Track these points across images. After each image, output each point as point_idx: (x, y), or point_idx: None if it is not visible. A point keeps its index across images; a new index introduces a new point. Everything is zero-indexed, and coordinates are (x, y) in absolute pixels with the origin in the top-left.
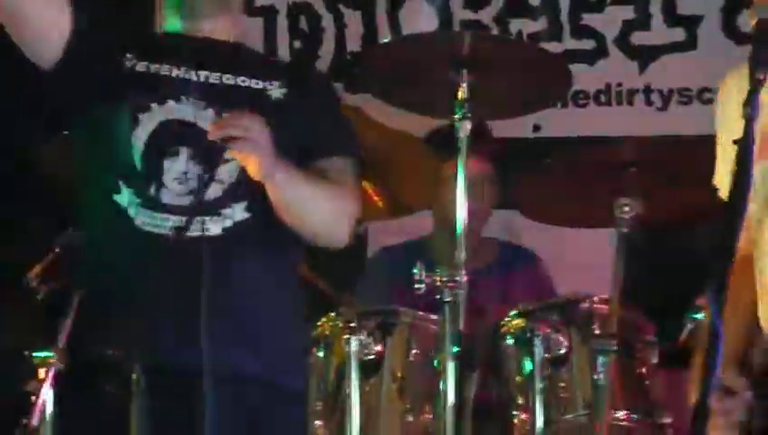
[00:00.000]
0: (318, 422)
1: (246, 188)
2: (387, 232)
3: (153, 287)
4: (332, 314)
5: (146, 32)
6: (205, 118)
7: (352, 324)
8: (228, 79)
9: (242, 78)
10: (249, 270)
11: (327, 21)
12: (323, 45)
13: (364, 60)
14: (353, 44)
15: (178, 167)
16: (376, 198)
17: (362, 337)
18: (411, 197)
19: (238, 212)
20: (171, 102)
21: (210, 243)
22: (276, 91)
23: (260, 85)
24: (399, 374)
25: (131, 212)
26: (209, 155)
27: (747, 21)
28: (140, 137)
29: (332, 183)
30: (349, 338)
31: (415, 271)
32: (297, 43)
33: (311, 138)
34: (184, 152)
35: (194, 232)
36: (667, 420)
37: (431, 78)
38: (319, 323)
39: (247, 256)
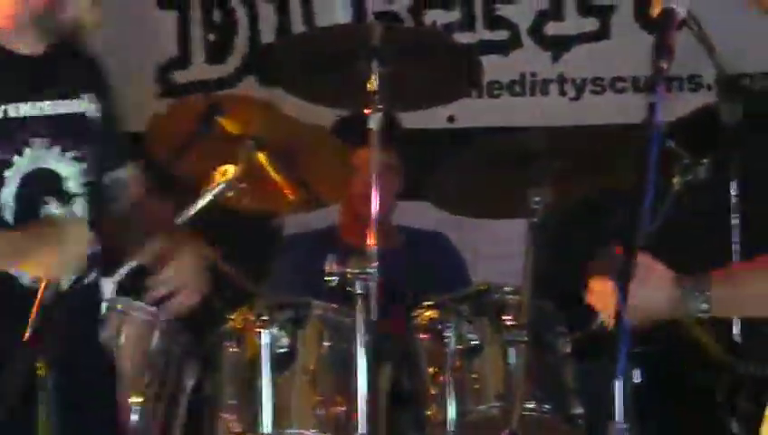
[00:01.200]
0: (231, 416)
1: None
2: (301, 225)
3: None
4: (245, 307)
5: None
6: (54, 158)
7: (264, 318)
8: (57, 106)
9: (66, 102)
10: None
11: (240, 13)
12: (237, 37)
13: (276, 52)
14: (267, 36)
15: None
16: (288, 192)
17: (274, 330)
18: (324, 190)
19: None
20: (27, 150)
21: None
22: (92, 108)
23: (81, 107)
24: (312, 367)
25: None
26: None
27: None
28: (7, 197)
29: None
30: (260, 331)
31: (326, 263)
32: (211, 36)
33: (111, 152)
34: (53, 200)
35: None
36: (579, 411)
37: (343, 70)
38: (231, 317)
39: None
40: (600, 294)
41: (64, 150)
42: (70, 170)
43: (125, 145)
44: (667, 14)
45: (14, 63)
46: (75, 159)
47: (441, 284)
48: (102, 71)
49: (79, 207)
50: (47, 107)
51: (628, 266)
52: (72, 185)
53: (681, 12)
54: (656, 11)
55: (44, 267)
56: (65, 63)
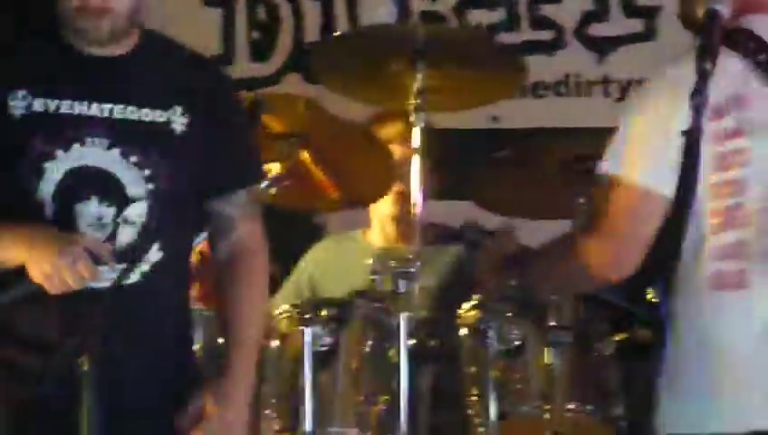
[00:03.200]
0: (272, 414)
1: (159, 227)
2: (344, 223)
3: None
4: (288, 305)
5: (37, 55)
6: (110, 160)
7: (307, 316)
8: (132, 112)
9: (145, 111)
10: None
11: (285, 11)
12: (281, 36)
13: (320, 51)
14: (311, 35)
15: (91, 211)
16: (331, 190)
17: (317, 328)
18: (366, 188)
19: (153, 254)
20: (77, 146)
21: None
22: (179, 121)
23: (163, 118)
24: (354, 366)
25: None
26: (120, 197)
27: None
28: (47, 189)
29: (258, 267)
30: (303, 329)
31: (370, 261)
32: (255, 34)
33: (215, 173)
34: (95, 198)
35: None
36: (621, 412)
37: (387, 69)
38: (273, 315)
39: (163, 299)
40: None
41: (125, 154)
42: (129, 174)
43: (239, 174)
44: (711, 14)
45: (79, 62)
46: (137, 164)
47: (475, 283)
48: (210, 82)
49: (137, 211)
50: (112, 110)
51: None
52: (133, 189)
53: (725, 12)
54: (699, 12)
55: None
56: (153, 69)
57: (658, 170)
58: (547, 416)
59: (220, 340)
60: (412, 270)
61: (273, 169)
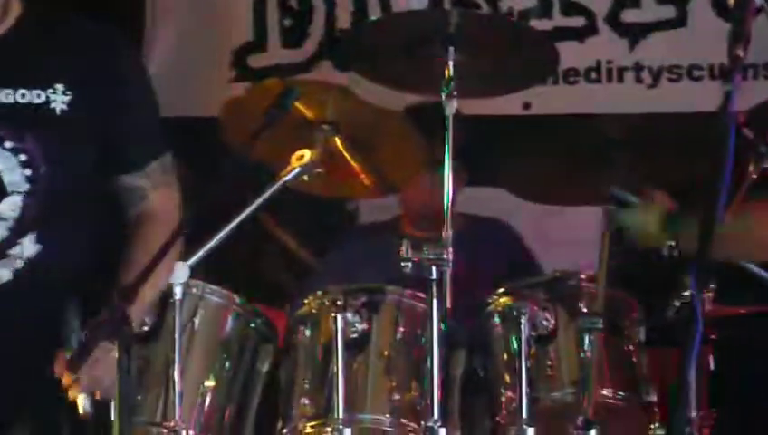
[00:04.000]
0: (305, 400)
1: (37, 218)
2: (378, 209)
3: None
4: (319, 291)
5: None
6: None
7: (339, 302)
8: (8, 96)
9: (21, 91)
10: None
11: None
12: (313, 23)
13: (352, 38)
14: (343, 22)
15: None
16: (363, 177)
17: (349, 315)
18: (398, 175)
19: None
20: None
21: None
22: (60, 99)
23: (41, 98)
24: (386, 352)
25: None
26: None
27: None
28: None
29: (158, 233)
30: (335, 316)
31: (402, 248)
32: (287, 21)
33: (114, 150)
34: None
35: None
36: (654, 399)
37: (419, 56)
38: (305, 302)
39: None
40: None
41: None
42: (3, 162)
43: (148, 147)
44: (744, 1)
45: None
46: (12, 150)
47: (502, 270)
48: (100, 53)
49: (9, 204)
50: None
51: None
52: (8, 177)
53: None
54: None
55: None
56: (33, 46)
57: None
58: (580, 402)
59: None
60: (444, 257)
61: (306, 155)
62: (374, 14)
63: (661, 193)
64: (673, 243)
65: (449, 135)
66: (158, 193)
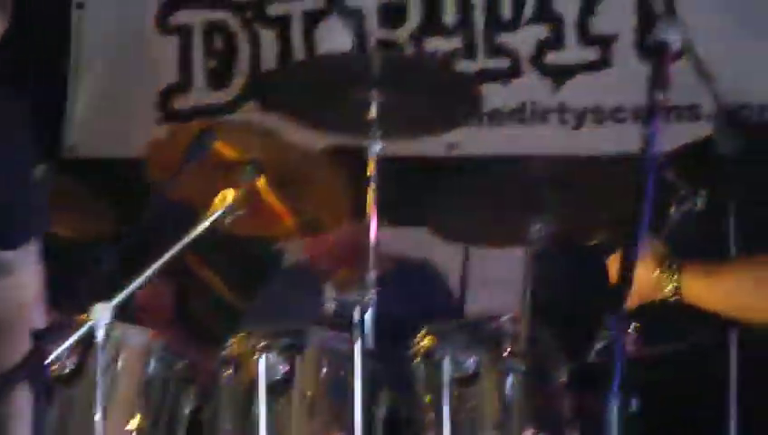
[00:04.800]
0: None
1: None
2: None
3: None
4: (242, 333)
5: None
6: None
7: (262, 344)
8: None
9: None
10: None
11: (242, 39)
12: (238, 64)
13: (277, 79)
14: (268, 63)
15: None
16: (287, 218)
17: (272, 357)
18: (322, 215)
19: None
20: None
21: None
22: None
23: None
24: (309, 394)
25: None
26: None
27: None
28: None
29: None
30: (258, 358)
31: (325, 289)
32: (212, 63)
33: None
34: None
35: None
36: None
37: (343, 97)
38: (229, 343)
39: None
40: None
41: None
42: None
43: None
44: (663, 44)
45: None
46: None
47: (426, 312)
48: None
49: None
50: None
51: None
52: None
53: (677, 42)
54: (652, 43)
55: None
56: None
57: None
58: None
59: None
60: (367, 298)
61: (229, 196)
62: (299, 55)
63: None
64: None
65: (373, 176)
66: (22, 273)
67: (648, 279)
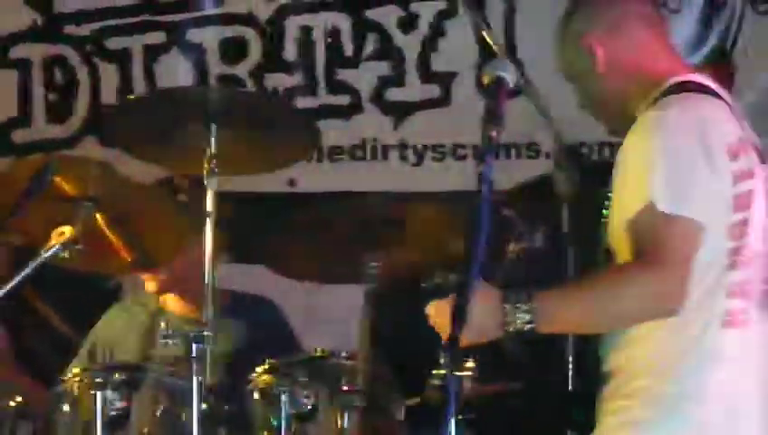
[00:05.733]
0: None
1: None
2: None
3: None
4: (80, 369)
5: None
6: None
7: (99, 380)
8: None
9: None
10: None
11: (82, 73)
12: (78, 98)
13: (115, 114)
14: (109, 97)
15: None
16: (124, 253)
17: (108, 392)
18: (159, 251)
19: None
20: None
21: None
22: None
23: None
24: (146, 430)
25: None
26: None
27: None
28: None
29: None
30: (95, 393)
31: (162, 326)
32: (52, 96)
33: None
34: None
35: None
36: None
37: (182, 132)
38: (65, 379)
39: None
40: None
41: None
42: None
43: None
44: (497, 82)
45: None
46: None
47: (264, 348)
48: None
49: None
50: None
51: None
52: None
53: (511, 81)
54: (486, 79)
55: None
56: None
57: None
58: None
59: None
60: (205, 334)
61: (67, 232)
62: (139, 89)
63: None
64: None
65: (213, 211)
66: None
67: (493, 315)
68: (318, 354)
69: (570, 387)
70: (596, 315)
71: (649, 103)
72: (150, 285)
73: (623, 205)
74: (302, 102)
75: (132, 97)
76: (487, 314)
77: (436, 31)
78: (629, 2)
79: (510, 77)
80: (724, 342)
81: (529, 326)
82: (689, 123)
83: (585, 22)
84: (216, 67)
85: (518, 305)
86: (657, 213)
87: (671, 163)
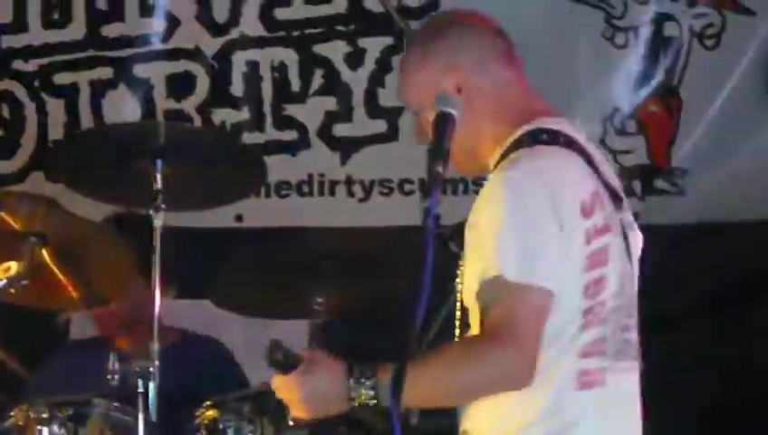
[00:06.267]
0: None
1: None
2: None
3: None
4: (25, 404)
5: None
6: None
7: (44, 415)
8: None
9: None
10: None
11: (29, 109)
12: (25, 133)
13: (61, 149)
14: (56, 133)
15: None
16: (71, 289)
17: (55, 428)
18: (105, 287)
19: None
20: None
21: None
22: None
23: None
24: None
25: None
26: None
27: None
28: None
29: None
30: (41, 429)
31: (109, 360)
32: None
33: None
34: None
35: None
36: None
37: (129, 167)
38: (12, 414)
39: None
40: (282, 390)
41: None
42: None
43: None
44: (443, 117)
45: None
46: None
47: (212, 385)
48: None
49: None
50: None
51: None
52: None
53: (457, 115)
54: (431, 115)
55: None
56: None
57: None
58: None
59: None
60: (151, 370)
61: (13, 267)
62: (86, 124)
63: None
64: None
65: (157, 248)
66: None
67: (338, 388)
68: (264, 389)
69: None
70: (445, 390)
71: (499, 155)
72: (98, 327)
73: (473, 273)
74: (250, 138)
75: (78, 132)
76: (332, 387)
77: (383, 66)
78: (492, 35)
79: (457, 113)
80: (580, 404)
81: (372, 401)
82: (537, 185)
83: (449, 52)
84: (163, 102)
85: (361, 381)
86: (506, 283)
87: (519, 231)
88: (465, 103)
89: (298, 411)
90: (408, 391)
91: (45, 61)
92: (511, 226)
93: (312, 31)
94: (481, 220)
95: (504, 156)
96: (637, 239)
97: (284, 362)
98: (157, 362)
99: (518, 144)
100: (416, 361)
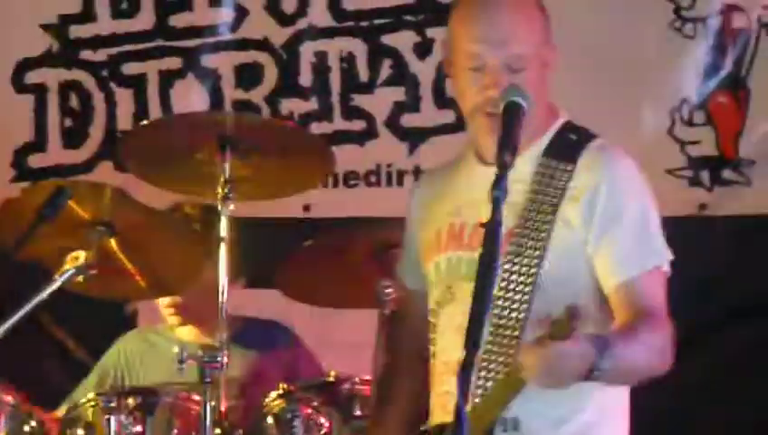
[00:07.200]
0: None
1: None
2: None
3: None
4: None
5: None
6: None
7: (112, 404)
8: None
9: None
10: None
11: (98, 99)
12: (94, 123)
13: (129, 139)
14: (124, 123)
15: None
16: (138, 278)
17: (122, 417)
18: (173, 276)
19: None
20: None
21: None
22: None
23: None
24: None
25: None
26: None
27: None
28: None
29: None
30: (109, 418)
31: (175, 350)
32: (68, 121)
33: None
34: None
35: None
36: None
37: (195, 158)
38: (80, 403)
39: None
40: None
41: None
42: None
43: None
44: (512, 108)
45: None
46: None
47: (280, 372)
48: None
49: None
50: None
51: None
52: None
53: (526, 106)
54: (500, 106)
55: None
56: None
57: None
58: None
59: None
60: (218, 359)
61: (81, 256)
62: (154, 114)
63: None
64: None
65: (226, 237)
66: None
67: (586, 360)
68: (332, 379)
69: None
70: (634, 372)
71: (553, 135)
72: (171, 319)
73: (572, 246)
74: (317, 128)
75: (147, 122)
76: (581, 359)
77: None
78: None
79: (526, 103)
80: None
81: (601, 375)
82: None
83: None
84: (231, 92)
85: (603, 351)
86: (664, 275)
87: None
88: (540, 83)
89: (547, 380)
90: (623, 366)
91: (114, 51)
92: (657, 221)
93: (381, 21)
94: (628, 209)
95: (563, 139)
96: None
97: (567, 332)
98: (225, 352)
99: (576, 131)
100: (624, 336)
